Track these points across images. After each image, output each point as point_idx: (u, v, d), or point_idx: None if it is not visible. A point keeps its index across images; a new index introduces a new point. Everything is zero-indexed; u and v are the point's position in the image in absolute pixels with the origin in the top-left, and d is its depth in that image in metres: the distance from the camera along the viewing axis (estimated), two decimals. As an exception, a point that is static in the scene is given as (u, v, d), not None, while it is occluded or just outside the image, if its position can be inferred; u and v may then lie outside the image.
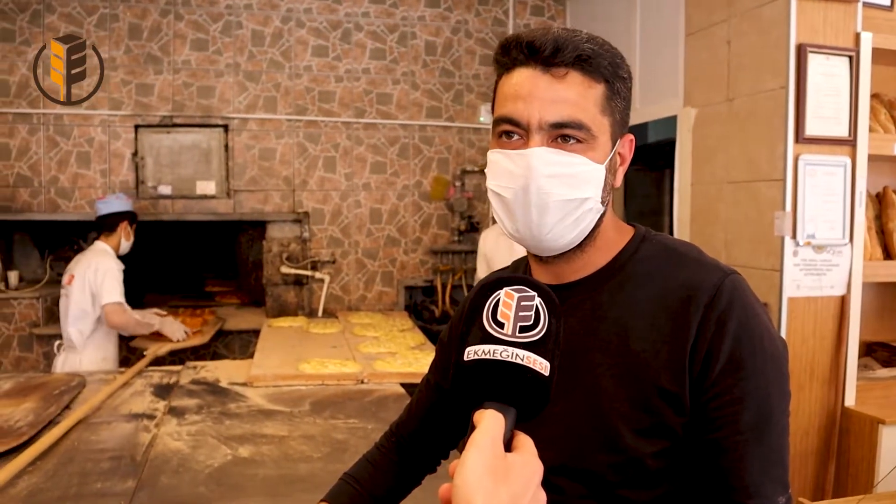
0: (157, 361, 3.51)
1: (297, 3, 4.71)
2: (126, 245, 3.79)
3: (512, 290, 0.71)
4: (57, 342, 3.69)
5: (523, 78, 0.89)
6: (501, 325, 0.68)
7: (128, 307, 3.62)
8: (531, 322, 0.68)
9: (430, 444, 1.20)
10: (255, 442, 2.15)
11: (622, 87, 0.92)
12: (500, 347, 0.67)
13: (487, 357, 0.67)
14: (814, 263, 2.87)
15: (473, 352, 0.68)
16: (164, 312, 3.99)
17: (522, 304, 0.69)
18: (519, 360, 0.66)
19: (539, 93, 0.87)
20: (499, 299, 0.70)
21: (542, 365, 0.67)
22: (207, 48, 4.58)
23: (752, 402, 0.85)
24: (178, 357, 3.80)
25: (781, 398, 0.87)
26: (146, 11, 4.49)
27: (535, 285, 0.71)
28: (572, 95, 0.87)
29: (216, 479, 1.87)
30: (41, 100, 4.34)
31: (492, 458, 0.60)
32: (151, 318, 3.76)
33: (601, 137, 0.90)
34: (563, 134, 0.88)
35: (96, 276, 3.55)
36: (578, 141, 0.88)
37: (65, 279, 3.64)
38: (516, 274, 0.75)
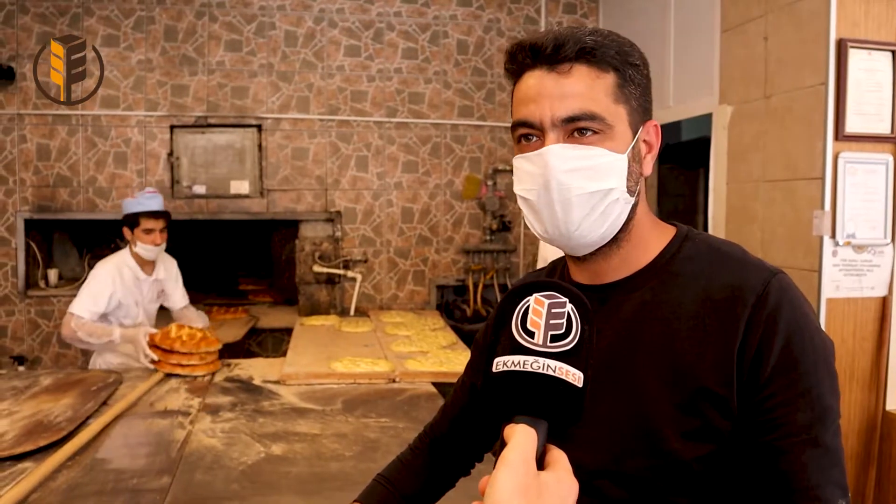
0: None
1: (329, 3, 4.73)
2: (144, 249, 3.35)
3: (542, 296, 0.67)
4: None
5: (532, 80, 0.90)
6: (531, 335, 0.65)
7: (82, 322, 3.16)
8: (563, 330, 0.65)
9: (464, 446, 1.20)
10: (288, 440, 2.16)
11: (635, 74, 0.91)
12: (530, 358, 0.64)
13: (517, 369, 0.64)
14: (854, 264, 2.81)
15: (502, 363, 0.65)
16: (155, 331, 3.14)
17: (553, 311, 0.66)
18: (550, 372, 0.64)
19: (547, 91, 0.88)
20: (528, 306, 0.67)
21: (574, 376, 0.64)
22: (241, 49, 4.63)
23: (805, 403, 0.83)
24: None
25: (834, 398, 0.85)
26: (181, 13, 4.55)
27: (566, 290, 0.68)
28: (580, 88, 0.87)
29: (249, 476, 1.89)
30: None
31: (523, 476, 0.58)
32: (103, 336, 3.17)
33: (618, 126, 0.89)
34: (578, 127, 0.87)
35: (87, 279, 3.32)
36: (594, 132, 0.88)
37: None
38: (546, 279, 0.73)
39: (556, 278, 1.05)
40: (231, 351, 4.10)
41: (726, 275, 0.89)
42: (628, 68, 0.90)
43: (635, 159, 0.92)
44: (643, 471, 0.88)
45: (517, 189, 0.94)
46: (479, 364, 1.17)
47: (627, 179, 0.90)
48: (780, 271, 0.89)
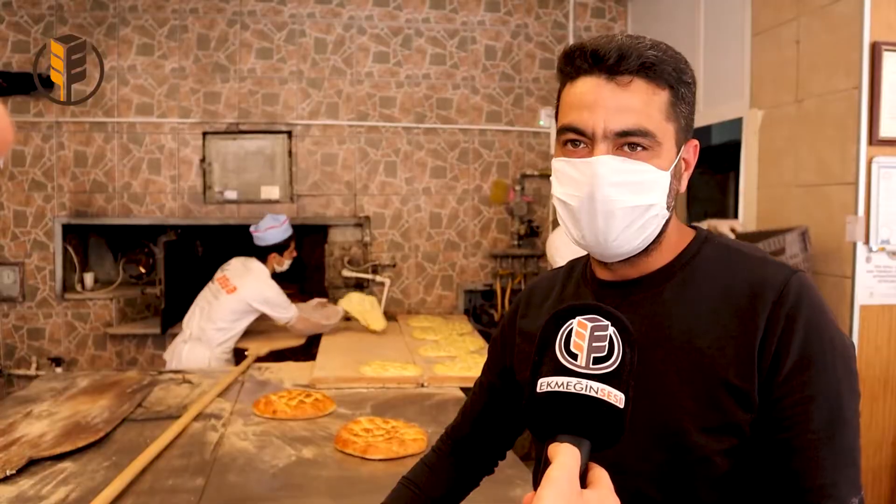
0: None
1: (358, 10, 4.78)
2: (280, 269, 3.99)
3: (585, 319, 0.70)
4: (178, 334, 3.78)
5: (588, 87, 0.89)
6: (575, 357, 0.68)
7: (298, 312, 3.87)
8: (605, 353, 0.68)
9: (486, 445, 1.22)
10: (318, 443, 2.19)
11: (687, 93, 0.92)
12: (573, 380, 0.67)
13: (560, 390, 0.67)
14: (888, 270, 2.77)
15: (546, 383, 0.68)
16: (325, 301, 4.35)
17: (596, 334, 0.69)
18: (593, 393, 0.66)
19: (604, 101, 0.88)
20: (571, 329, 0.70)
21: (616, 397, 0.67)
22: (272, 56, 4.70)
23: (823, 401, 0.84)
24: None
25: (852, 397, 0.86)
26: (214, 22, 4.63)
27: (608, 314, 0.71)
28: (637, 103, 0.87)
29: (281, 479, 1.91)
30: (116, 109, 4.53)
31: (568, 494, 0.61)
32: (323, 319, 4.05)
33: (666, 144, 0.90)
34: (629, 142, 0.88)
35: (263, 303, 3.73)
36: (644, 148, 0.88)
37: (219, 277, 3.80)
38: (590, 302, 0.75)
39: (576, 276, 1.08)
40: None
41: (746, 272, 0.91)
42: (682, 86, 0.91)
43: (676, 176, 0.93)
44: (666, 465, 0.90)
45: (557, 192, 0.94)
46: (495, 363, 1.19)
47: (667, 196, 0.91)
48: (799, 270, 0.90)
